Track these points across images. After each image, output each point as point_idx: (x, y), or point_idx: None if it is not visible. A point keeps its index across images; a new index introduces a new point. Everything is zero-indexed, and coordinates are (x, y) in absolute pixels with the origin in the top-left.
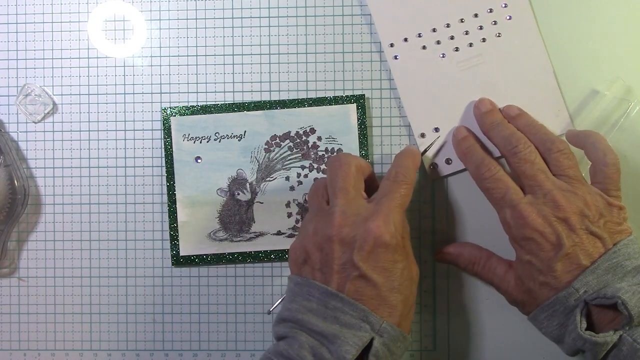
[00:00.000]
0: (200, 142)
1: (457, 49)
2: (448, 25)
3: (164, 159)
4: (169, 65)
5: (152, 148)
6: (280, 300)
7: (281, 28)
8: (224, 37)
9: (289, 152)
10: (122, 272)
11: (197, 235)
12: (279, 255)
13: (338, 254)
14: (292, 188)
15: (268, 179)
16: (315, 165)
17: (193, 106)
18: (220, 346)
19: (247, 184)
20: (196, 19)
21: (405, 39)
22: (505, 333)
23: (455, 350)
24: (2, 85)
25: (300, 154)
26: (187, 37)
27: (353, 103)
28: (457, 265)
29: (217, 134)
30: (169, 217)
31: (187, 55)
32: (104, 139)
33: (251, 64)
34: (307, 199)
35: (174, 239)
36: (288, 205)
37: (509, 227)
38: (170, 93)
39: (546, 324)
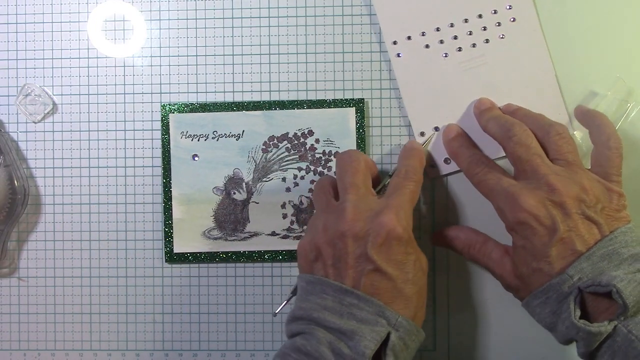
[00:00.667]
0: (198, 140)
1: (460, 49)
2: (452, 25)
3: (161, 156)
4: (169, 66)
5: (152, 148)
6: (286, 301)
7: (281, 28)
8: (224, 37)
9: (286, 153)
10: (122, 272)
11: (191, 232)
12: (273, 256)
13: (352, 248)
14: (288, 189)
15: (264, 179)
16: (312, 168)
17: (192, 104)
18: (220, 346)
19: (244, 184)
20: (196, 19)
21: (409, 37)
22: (505, 333)
23: (455, 350)
24: (2, 85)
25: (297, 156)
26: (187, 37)
27: (352, 107)
28: (453, 249)
29: (215, 133)
30: (164, 213)
31: (187, 56)
32: (104, 139)
33: (251, 64)
34: (312, 196)
35: (168, 235)
36: (283, 206)
37: (503, 213)
38: (170, 93)
39: (539, 310)
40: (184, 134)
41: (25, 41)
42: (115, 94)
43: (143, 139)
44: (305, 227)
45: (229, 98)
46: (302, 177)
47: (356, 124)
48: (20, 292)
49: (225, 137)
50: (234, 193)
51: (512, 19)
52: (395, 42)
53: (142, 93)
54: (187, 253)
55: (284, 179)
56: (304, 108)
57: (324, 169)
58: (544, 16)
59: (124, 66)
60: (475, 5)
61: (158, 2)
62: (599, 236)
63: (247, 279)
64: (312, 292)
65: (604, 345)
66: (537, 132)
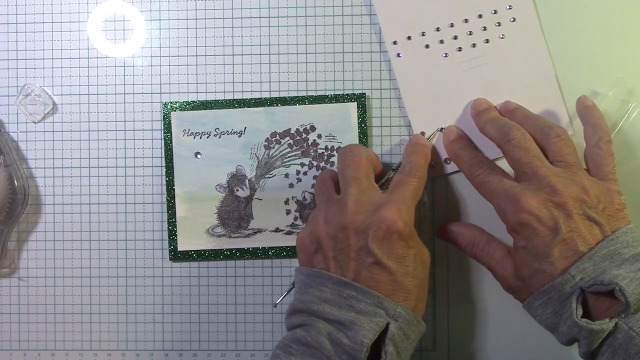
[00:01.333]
0: (200, 138)
1: (460, 49)
2: (452, 25)
3: (163, 154)
4: (169, 65)
5: (152, 148)
6: (286, 293)
7: (281, 27)
8: (224, 36)
9: (288, 150)
10: (122, 272)
11: (195, 230)
12: (277, 252)
13: (353, 241)
14: (291, 185)
15: (267, 175)
16: (315, 163)
17: (193, 101)
18: (220, 346)
19: (247, 181)
20: (196, 18)
21: (409, 37)
22: (505, 334)
23: (455, 350)
24: (2, 85)
25: (300, 152)
26: (187, 37)
27: (354, 102)
28: (456, 244)
29: (217, 130)
30: (168, 212)
31: (187, 55)
32: (104, 139)
33: (251, 63)
34: (314, 190)
35: (172, 234)
36: (287, 202)
37: (504, 214)
38: (170, 93)
39: (541, 311)
40: (186, 131)
41: (25, 41)
42: (116, 93)
43: (143, 139)
44: None
45: (229, 97)
46: (305, 173)
47: (358, 119)
48: (20, 292)
49: (228, 135)
50: (237, 190)
51: (512, 19)
52: (395, 42)
53: (142, 93)
54: (191, 251)
55: (286, 175)
56: (305, 104)
57: (326, 164)
58: (544, 16)
59: (124, 66)
60: (475, 5)
61: (158, 2)
62: (600, 236)
63: (247, 279)
64: (311, 285)
65: (605, 343)
66: (537, 134)
